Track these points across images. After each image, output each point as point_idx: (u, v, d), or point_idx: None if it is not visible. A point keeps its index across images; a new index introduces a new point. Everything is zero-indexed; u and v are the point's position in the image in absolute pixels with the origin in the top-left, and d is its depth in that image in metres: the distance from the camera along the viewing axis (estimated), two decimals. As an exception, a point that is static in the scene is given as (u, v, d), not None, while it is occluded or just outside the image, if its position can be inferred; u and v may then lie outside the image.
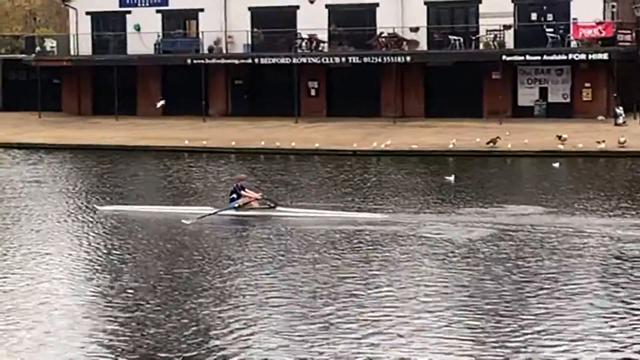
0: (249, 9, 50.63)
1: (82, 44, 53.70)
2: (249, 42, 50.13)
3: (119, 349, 12.39)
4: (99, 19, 54.41)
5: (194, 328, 13.26)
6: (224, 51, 50.35)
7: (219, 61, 49.63)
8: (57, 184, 30.94)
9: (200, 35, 51.04)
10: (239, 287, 15.92)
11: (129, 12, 53.29)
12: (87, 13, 53.90)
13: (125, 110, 50.52)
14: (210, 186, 30.50)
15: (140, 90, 52.84)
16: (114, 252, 19.15)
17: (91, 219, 23.18)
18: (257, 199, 24.03)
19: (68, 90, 54.84)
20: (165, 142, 41.93)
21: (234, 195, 23.88)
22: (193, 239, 20.60)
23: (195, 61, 49.01)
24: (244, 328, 13.20)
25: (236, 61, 49.66)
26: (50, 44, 55.37)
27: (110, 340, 12.79)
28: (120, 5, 53.53)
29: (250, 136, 42.24)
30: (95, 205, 25.53)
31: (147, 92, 52.29)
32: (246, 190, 24.07)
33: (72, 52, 53.96)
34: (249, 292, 15.48)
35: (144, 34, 51.74)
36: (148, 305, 14.61)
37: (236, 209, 23.75)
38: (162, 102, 46.92)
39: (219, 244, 20.52)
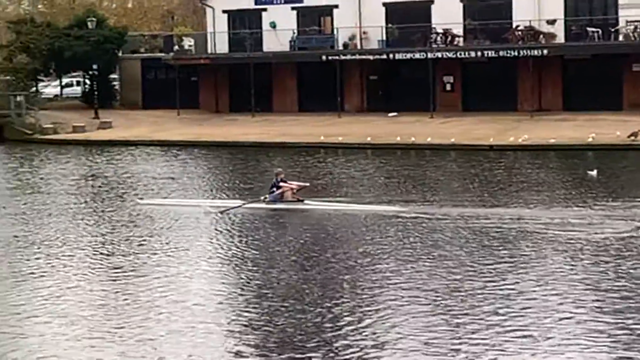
0: (384, 4, 50.64)
1: (219, 42, 54.64)
2: (384, 37, 50.15)
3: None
4: (235, 17, 55.34)
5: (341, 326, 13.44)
6: (359, 47, 50.49)
7: (353, 57, 49.72)
8: (191, 180, 31.66)
9: (335, 32, 51.36)
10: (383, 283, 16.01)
11: (265, 9, 54.01)
12: (224, 11, 54.87)
13: (261, 107, 51.27)
14: (344, 182, 30.75)
15: (276, 87, 53.46)
16: (249, 247, 19.58)
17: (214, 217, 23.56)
18: (292, 189, 24.76)
19: (205, 88, 55.87)
20: (300, 139, 42.20)
21: (274, 189, 24.62)
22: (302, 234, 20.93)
23: (330, 57, 49.29)
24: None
25: (371, 57, 49.70)
26: (188, 42, 56.47)
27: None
28: (256, 3, 54.27)
29: (386, 131, 42.24)
30: (136, 199, 26.59)
31: (282, 89, 52.98)
32: (286, 182, 24.91)
33: (209, 50, 54.93)
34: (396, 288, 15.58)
35: (279, 31, 52.36)
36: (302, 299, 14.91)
37: (263, 201, 24.61)
38: None
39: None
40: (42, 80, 67.15)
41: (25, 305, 14.86)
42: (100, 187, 30.42)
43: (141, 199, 26.45)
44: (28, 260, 18.34)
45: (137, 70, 61.52)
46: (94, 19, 56.78)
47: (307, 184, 26.10)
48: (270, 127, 46.89)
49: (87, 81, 61.84)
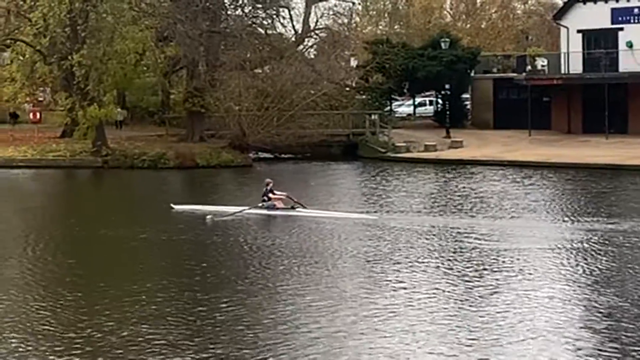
0: None
1: (573, 62, 53.57)
2: None
3: None
4: (590, 37, 54.03)
5: None
6: None
7: None
8: (548, 202, 30.98)
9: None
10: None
11: (621, 29, 52.30)
12: (579, 31, 53.74)
13: (616, 129, 49.59)
14: None
15: (632, 108, 51.49)
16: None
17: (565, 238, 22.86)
18: (282, 199, 28.61)
19: (558, 108, 54.99)
20: (657, 163, 40.26)
21: (265, 197, 28.46)
22: None
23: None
24: None
25: None
26: (541, 62, 55.91)
27: None
28: (612, 23, 52.71)
29: None
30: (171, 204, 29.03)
31: (639, 110, 50.97)
32: (274, 192, 28.58)
33: (562, 71, 54.04)
34: None
35: (636, 50, 50.47)
36: None
37: (260, 208, 28.35)
38: None
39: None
40: (396, 100, 69.37)
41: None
42: (455, 204, 30.65)
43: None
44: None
45: (489, 90, 61.75)
46: (447, 39, 57.89)
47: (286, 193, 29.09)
48: (625, 149, 45.13)
49: (440, 101, 63.12)
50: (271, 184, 28.89)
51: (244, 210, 28.31)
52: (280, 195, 28.83)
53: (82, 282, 18.70)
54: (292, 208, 28.45)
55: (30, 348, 13.52)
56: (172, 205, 29.53)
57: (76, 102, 46.72)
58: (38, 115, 56.28)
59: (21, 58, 50.10)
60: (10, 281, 18.72)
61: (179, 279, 18.84)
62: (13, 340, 13.93)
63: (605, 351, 13.19)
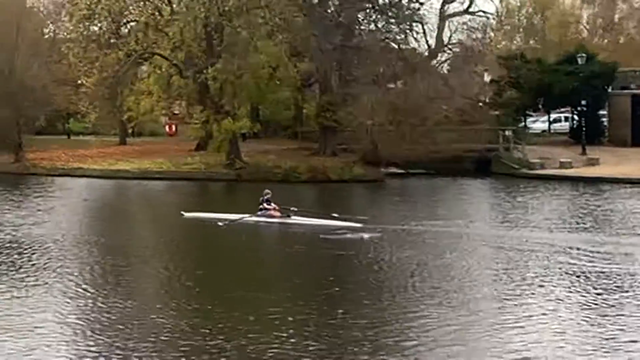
0: None
1: None
2: None
3: None
4: None
5: None
6: None
7: None
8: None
9: None
10: None
11: None
12: None
13: None
14: None
15: None
16: None
17: None
18: (276, 209, 30.70)
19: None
20: None
21: (261, 207, 30.68)
22: None
23: None
24: None
25: None
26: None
27: None
28: None
29: None
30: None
31: None
32: (270, 203, 30.75)
33: None
34: None
35: None
36: None
37: (259, 216, 30.49)
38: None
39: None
40: (531, 116, 68.60)
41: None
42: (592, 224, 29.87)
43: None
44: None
45: (627, 107, 60.21)
46: (583, 54, 56.93)
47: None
48: None
49: (575, 117, 62.04)
50: (269, 195, 31.17)
51: (244, 217, 30.26)
52: (274, 206, 30.89)
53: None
54: (288, 216, 30.41)
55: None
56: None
57: (210, 115, 48.26)
58: (174, 128, 57.94)
59: (158, 72, 51.77)
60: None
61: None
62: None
63: None
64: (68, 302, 17.42)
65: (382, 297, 18.01)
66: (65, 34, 60.10)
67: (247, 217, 30.41)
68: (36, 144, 58.62)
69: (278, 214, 30.80)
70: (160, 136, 65.28)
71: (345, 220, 29.29)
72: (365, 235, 26.76)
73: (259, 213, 30.81)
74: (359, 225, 28.35)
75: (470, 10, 62.66)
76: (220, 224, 29.20)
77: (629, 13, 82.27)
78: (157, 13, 50.98)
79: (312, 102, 61.65)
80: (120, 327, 15.30)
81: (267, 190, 31.68)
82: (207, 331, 14.97)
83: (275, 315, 16.02)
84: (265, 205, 30.83)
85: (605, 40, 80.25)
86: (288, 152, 53.92)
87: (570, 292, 18.24)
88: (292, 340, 14.37)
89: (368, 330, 14.94)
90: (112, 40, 51.22)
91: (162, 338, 14.58)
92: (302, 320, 15.83)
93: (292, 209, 30.95)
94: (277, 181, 45.75)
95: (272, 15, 49.41)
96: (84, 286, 19.09)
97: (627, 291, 18.27)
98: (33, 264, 21.78)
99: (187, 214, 31.62)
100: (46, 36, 69.97)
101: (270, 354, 13.52)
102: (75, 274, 20.56)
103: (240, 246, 26.76)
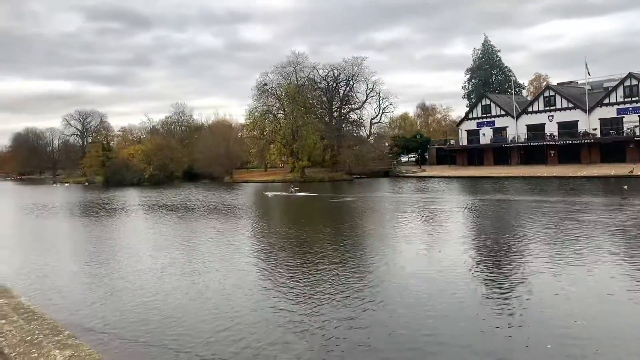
0: None
1: None
2: None
3: None
4: None
5: None
6: None
7: None
8: None
9: None
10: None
11: None
12: None
13: None
14: None
15: None
16: None
17: None
18: (296, 189, 59.00)
19: None
20: None
21: (290, 189, 60.18)
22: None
23: None
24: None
25: None
26: None
27: None
28: None
29: None
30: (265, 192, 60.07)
31: None
32: (292, 189, 62.08)
33: None
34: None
35: None
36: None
37: (290, 193, 58.37)
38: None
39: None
40: (402, 155, 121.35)
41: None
42: None
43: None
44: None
45: (434, 152, 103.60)
46: (419, 135, 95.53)
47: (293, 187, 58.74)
48: None
49: (418, 155, 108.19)
50: (292, 186, 55.48)
51: (281, 193, 47.75)
52: (294, 189, 52.43)
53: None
54: (295, 192, 51.18)
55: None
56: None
57: (294, 160, 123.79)
58: (282, 164, 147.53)
59: (277, 145, 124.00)
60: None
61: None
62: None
63: None
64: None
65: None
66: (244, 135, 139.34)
67: (284, 193, 46.39)
68: (237, 172, 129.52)
69: (295, 190, 55.33)
70: (276, 167, 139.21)
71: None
72: (346, 199, 43.93)
73: (291, 191, 55.60)
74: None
75: (381, 120, 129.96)
76: (270, 194, 46.88)
77: (435, 120, 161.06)
78: (277, 124, 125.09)
79: (328, 153, 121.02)
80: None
81: (294, 183, 47.87)
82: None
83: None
84: (291, 189, 56.46)
85: (425, 128, 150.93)
86: (323, 171, 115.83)
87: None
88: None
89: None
90: (260, 136, 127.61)
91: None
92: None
93: (295, 189, 48.14)
94: (318, 181, 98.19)
95: (313, 125, 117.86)
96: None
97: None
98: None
99: (268, 193, 52.36)
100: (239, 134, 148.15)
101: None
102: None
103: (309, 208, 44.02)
